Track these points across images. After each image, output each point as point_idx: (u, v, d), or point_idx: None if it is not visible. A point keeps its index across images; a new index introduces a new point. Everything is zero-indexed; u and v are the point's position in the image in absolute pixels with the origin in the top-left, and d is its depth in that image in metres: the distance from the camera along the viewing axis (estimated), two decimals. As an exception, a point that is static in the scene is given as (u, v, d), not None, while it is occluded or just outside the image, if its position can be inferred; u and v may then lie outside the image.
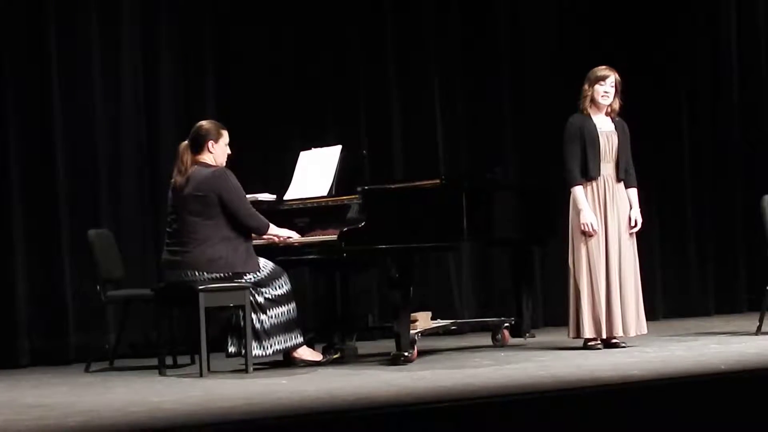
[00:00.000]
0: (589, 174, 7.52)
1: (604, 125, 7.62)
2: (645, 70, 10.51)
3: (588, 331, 7.46)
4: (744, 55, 11.30)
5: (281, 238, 7.19)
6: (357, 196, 7.09)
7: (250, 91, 9.12)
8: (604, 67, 7.65)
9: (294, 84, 9.31)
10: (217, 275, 6.90)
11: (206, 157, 7.06)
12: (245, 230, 7.05)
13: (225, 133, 7.13)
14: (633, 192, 7.67)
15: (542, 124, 9.69)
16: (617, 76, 7.62)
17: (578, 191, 7.50)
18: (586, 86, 7.62)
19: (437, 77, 9.92)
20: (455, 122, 9.99)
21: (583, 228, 7.46)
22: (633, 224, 7.60)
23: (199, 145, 7.07)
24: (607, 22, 10.53)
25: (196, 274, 6.90)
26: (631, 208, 7.62)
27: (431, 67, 9.91)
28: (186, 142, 7.12)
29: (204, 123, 7.17)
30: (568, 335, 7.58)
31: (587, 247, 7.49)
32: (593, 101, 7.61)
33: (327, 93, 9.45)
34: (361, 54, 9.64)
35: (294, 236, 7.21)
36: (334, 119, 9.43)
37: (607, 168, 7.57)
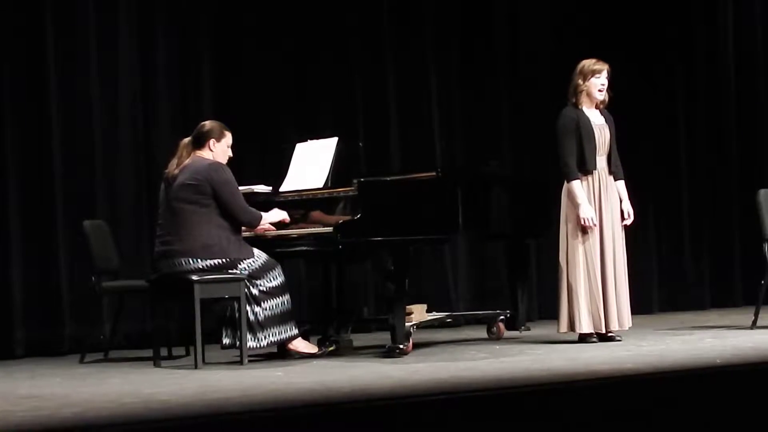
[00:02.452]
0: (586, 167, 7.49)
1: (597, 118, 7.59)
2: (641, 61, 10.53)
3: (585, 326, 7.44)
4: (741, 47, 11.32)
5: (271, 226, 7.18)
6: (353, 188, 7.09)
7: (246, 83, 9.11)
8: (595, 60, 7.59)
9: (291, 75, 9.30)
10: (212, 262, 6.90)
11: (205, 153, 7.08)
12: (239, 224, 7.05)
13: (228, 135, 7.14)
14: (622, 184, 7.64)
15: (539, 117, 9.68)
16: (608, 67, 7.60)
17: (576, 185, 7.47)
18: (579, 81, 7.56)
19: (434, 69, 9.92)
20: (452, 114, 9.99)
21: (583, 222, 7.43)
22: (626, 217, 7.60)
23: (201, 142, 7.10)
24: (603, 14, 10.53)
25: (191, 261, 6.90)
26: (621, 201, 7.61)
27: (428, 59, 9.90)
28: (188, 138, 7.13)
29: (209, 122, 7.21)
30: (558, 330, 7.56)
31: (584, 242, 7.47)
32: (588, 95, 7.58)
33: (323, 85, 9.44)
34: (358, 46, 9.63)
35: (284, 216, 7.21)
36: (331, 111, 9.43)
37: (602, 161, 7.55)
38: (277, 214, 7.22)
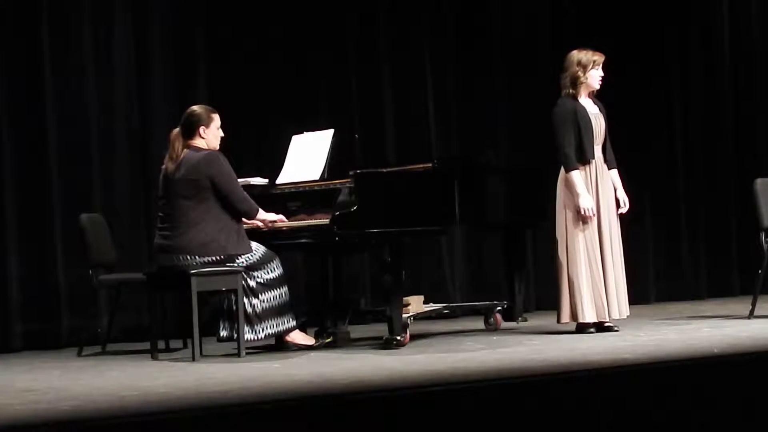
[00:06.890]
0: (584, 157, 7.47)
1: (591, 107, 7.57)
2: (637, 54, 10.52)
3: (589, 316, 7.41)
4: (738, 37, 11.31)
5: (266, 221, 7.17)
6: (349, 180, 7.08)
7: (243, 75, 9.09)
8: (591, 51, 7.53)
9: (287, 68, 9.28)
10: (210, 259, 6.90)
11: (198, 142, 7.06)
12: (236, 213, 7.05)
13: (216, 117, 7.11)
14: (616, 173, 7.64)
15: (534, 107, 9.67)
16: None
17: (576, 175, 7.44)
18: (579, 72, 7.49)
19: (429, 61, 9.90)
20: (447, 106, 9.98)
21: (582, 213, 7.41)
22: (622, 205, 7.59)
23: (190, 131, 7.06)
24: (599, 4, 10.53)
25: (188, 258, 6.90)
26: (616, 190, 7.60)
27: (424, 51, 9.89)
28: (177, 129, 7.10)
29: (194, 108, 7.15)
30: (558, 320, 7.54)
31: (584, 231, 7.46)
32: (587, 86, 7.55)
33: (319, 77, 9.42)
34: (354, 38, 9.62)
35: (282, 219, 7.20)
36: (327, 103, 9.42)
37: (597, 150, 7.54)
38: (274, 216, 7.21)
